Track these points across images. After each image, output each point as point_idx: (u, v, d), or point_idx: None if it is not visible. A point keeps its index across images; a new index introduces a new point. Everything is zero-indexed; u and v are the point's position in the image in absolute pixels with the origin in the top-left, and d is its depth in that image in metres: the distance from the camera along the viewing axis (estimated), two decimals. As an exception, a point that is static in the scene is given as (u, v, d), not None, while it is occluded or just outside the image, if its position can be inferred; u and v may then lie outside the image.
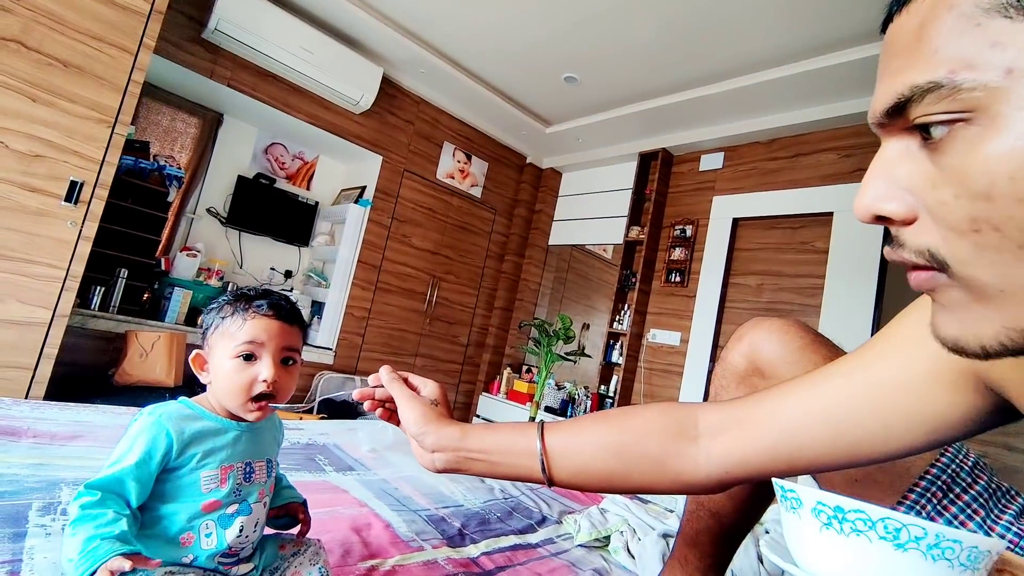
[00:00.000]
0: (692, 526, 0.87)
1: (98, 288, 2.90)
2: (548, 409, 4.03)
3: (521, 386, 4.30)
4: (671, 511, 1.54)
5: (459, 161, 4.37)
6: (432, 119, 4.16)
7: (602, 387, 3.98)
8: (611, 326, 4.04)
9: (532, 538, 1.18)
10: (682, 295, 3.81)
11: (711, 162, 3.87)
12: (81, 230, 2.21)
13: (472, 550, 1.06)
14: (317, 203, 4.04)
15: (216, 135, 3.63)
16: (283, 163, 3.99)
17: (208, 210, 3.61)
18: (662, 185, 4.07)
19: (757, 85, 3.16)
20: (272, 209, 3.79)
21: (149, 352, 2.79)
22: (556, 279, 5.02)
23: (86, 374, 2.74)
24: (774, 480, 0.45)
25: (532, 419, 3.78)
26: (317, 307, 3.88)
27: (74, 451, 1.10)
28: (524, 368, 4.69)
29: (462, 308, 4.48)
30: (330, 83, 3.40)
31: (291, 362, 0.73)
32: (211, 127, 3.60)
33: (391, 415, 0.73)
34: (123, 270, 2.99)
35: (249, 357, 0.68)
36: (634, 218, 4.12)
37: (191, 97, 3.46)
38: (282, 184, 3.95)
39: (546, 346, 3.88)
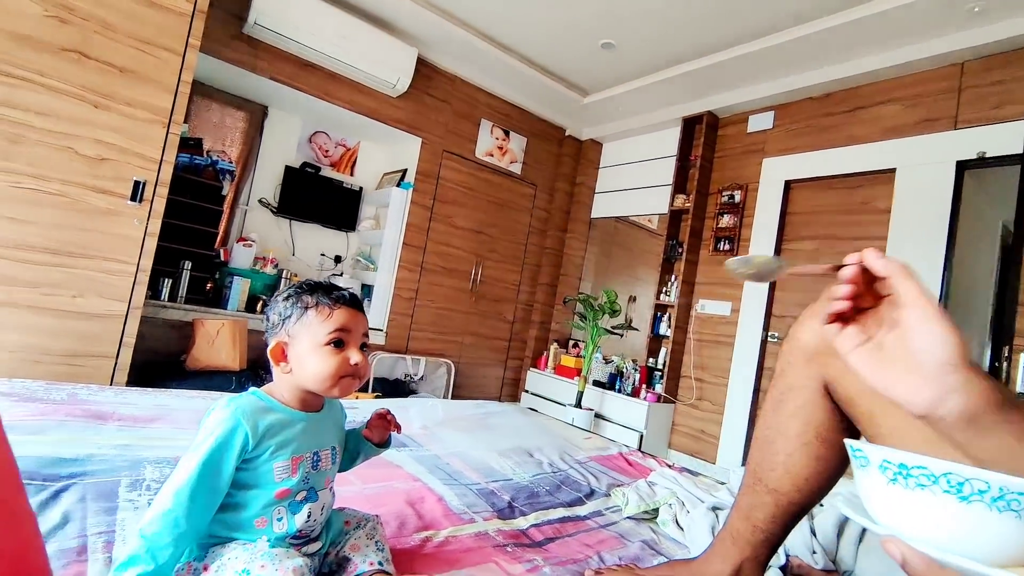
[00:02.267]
0: (747, 500, 0.85)
1: (166, 280, 3.09)
2: (596, 383, 4.03)
3: (568, 361, 4.32)
4: (723, 483, 1.53)
5: (497, 138, 4.35)
6: (468, 97, 4.14)
7: (650, 360, 3.95)
8: (658, 298, 3.97)
9: (581, 510, 1.21)
10: (731, 263, 3.68)
11: (760, 123, 3.69)
12: (147, 227, 2.35)
13: (521, 522, 1.09)
14: (361, 188, 4.13)
15: (263, 127, 3.75)
16: (326, 151, 4.09)
17: (260, 201, 3.76)
18: (708, 150, 3.92)
19: (807, 37, 2.97)
20: (319, 196, 3.90)
21: (215, 338, 2.96)
22: (600, 252, 4.96)
23: (161, 360, 2.95)
24: (845, 440, 0.45)
25: (580, 393, 3.80)
26: (367, 290, 4.00)
27: (155, 432, 1.20)
28: (571, 343, 4.70)
29: (507, 285, 4.51)
30: (366, 68, 3.43)
31: (366, 347, 0.78)
32: (258, 120, 3.73)
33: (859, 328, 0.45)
34: (187, 262, 3.18)
35: (339, 344, 0.73)
36: (679, 186, 4.00)
37: (237, 92, 3.58)
38: (327, 172, 4.05)
39: (592, 320, 3.87)
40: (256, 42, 3.21)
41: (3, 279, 2.09)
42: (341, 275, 4.02)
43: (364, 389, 3.66)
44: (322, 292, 0.76)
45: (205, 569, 0.65)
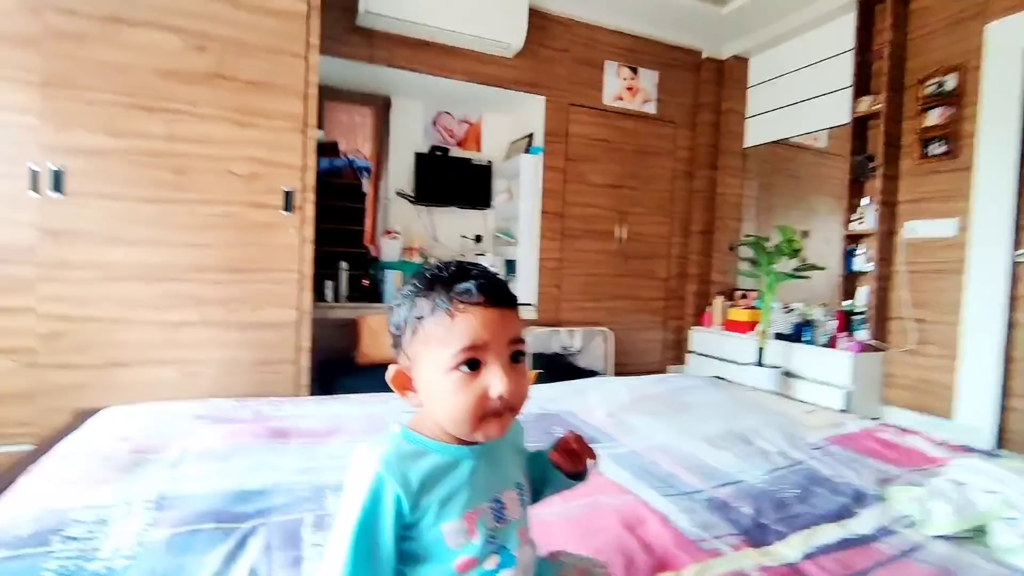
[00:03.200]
0: None
1: (328, 282, 3.25)
2: (779, 336, 3.50)
3: (739, 314, 3.82)
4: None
5: (625, 78, 3.90)
6: (587, 39, 3.75)
7: (846, 302, 3.30)
8: (847, 227, 3.29)
9: (858, 526, 0.89)
10: (950, 170, 2.89)
11: (976, -23, 2.79)
12: (302, 234, 2.41)
13: (785, 551, 0.81)
14: (490, 162, 3.99)
15: (388, 119, 3.76)
16: (451, 131, 4.01)
17: (397, 193, 3.80)
18: (897, 33, 3.09)
19: None
20: (451, 178, 3.84)
21: (378, 332, 3.05)
22: (760, 187, 4.29)
23: (335, 359, 3.11)
24: None
25: (761, 349, 3.31)
26: (511, 265, 3.89)
27: (334, 449, 1.12)
28: (738, 294, 4.16)
29: (656, 240, 4.11)
30: (478, 32, 3.23)
31: (520, 357, 0.53)
32: (382, 112, 3.74)
33: None
34: (343, 263, 3.31)
35: (472, 365, 0.51)
36: (861, 87, 3.23)
37: (360, 88, 3.61)
38: (455, 152, 3.97)
39: (766, 265, 3.33)
40: (369, 32, 3.17)
41: (195, 300, 2.27)
42: (484, 254, 3.94)
43: (523, 367, 3.56)
44: (442, 287, 0.52)
45: None
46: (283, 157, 2.35)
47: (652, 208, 4.06)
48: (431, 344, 0.52)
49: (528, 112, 3.81)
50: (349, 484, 0.51)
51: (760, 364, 3.31)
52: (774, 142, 4.02)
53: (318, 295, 3.12)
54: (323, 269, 3.15)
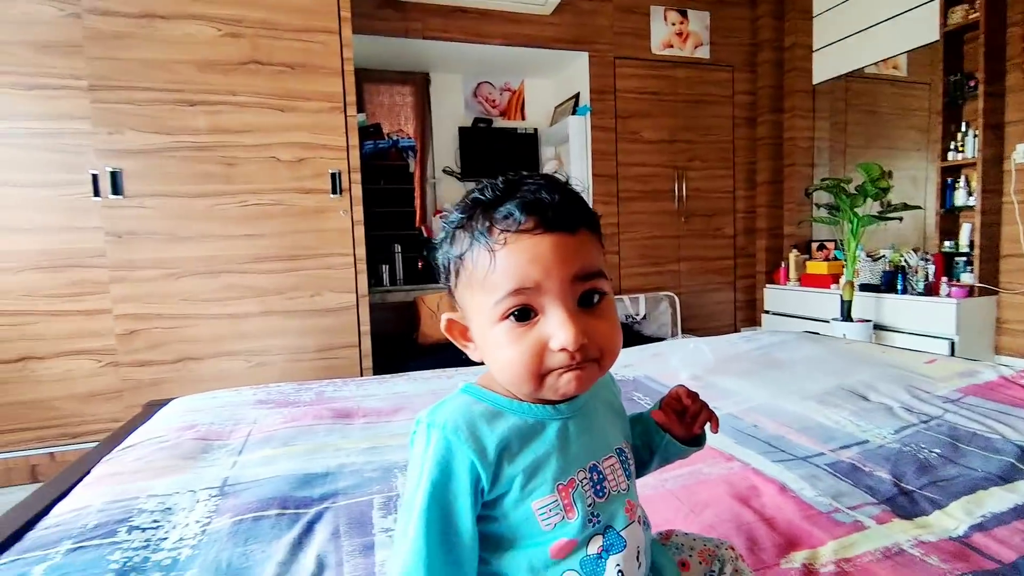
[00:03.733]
0: None
1: (384, 266, 3.24)
2: (865, 287, 3.19)
3: (818, 267, 3.51)
4: None
5: (673, 23, 3.62)
6: (630, -15, 3.49)
7: (946, 243, 2.96)
8: (943, 158, 2.93)
9: (1033, 489, 0.72)
10: (1071, 78, 2.49)
11: None
12: (352, 216, 2.37)
13: (946, 521, 0.66)
14: (536, 130, 3.84)
15: (428, 96, 3.67)
16: (493, 100, 3.87)
17: (444, 170, 3.72)
18: (995, -75, 2.67)
19: None
20: (497, 150, 3.73)
21: (437, 312, 3.00)
22: (833, 127, 3.91)
23: (397, 340, 3.10)
24: None
25: (848, 303, 3.02)
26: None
27: (400, 427, 1.05)
28: (814, 246, 3.83)
29: (719, 195, 3.83)
30: (513, -10, 3.06)
31: (597, 297, 0.40)
32: (422, 89, 3.65)
33: None
34: (397, 246, 3.28)
35: (523, 315, 0.39)
36: (952, -5, 2.83)
37: (398, 67, 3.53)
38: (499, 123, 3.84)
39: (847, 210, 3.02)
40: (402, 3, 3.06)
41: (257, 291, 2.28)
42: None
43: (586, 338, 3.44)
44: (483, 213, 0.40)
45: None
46: (326, 139, 2.31)
47: (712, 161, 3.79)
48: (474, 289, 0.41)
49: (572, 71, 3.61)
50: (413, 458, 0.41)
51: (848, 318, 3.03)
52: (847, 75, 3.64)
53: (375, 279, 3.11)
54: (378, 253, 3.14)
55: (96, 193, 2.07)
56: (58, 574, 0.61)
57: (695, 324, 3.78)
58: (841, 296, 3.06)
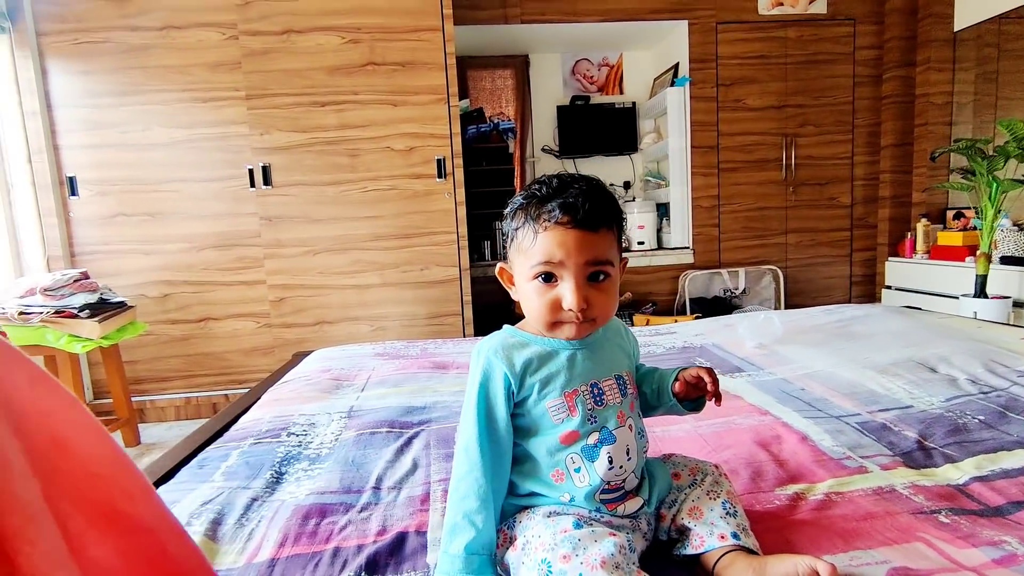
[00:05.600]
0: None
1: (486, 242, 3.49)
2: (1008, 260, 2.85)
3: (951, 238, 3.18)
4: None
5: (785, -21, 3.39)
6: (734, -57, 3.33)
7: (1115, 209, 2.55)
8: (1117, 110, 2.50)
9: (1063, 453, 0.75)
10: None
11: None
12: (455, 198, 2.63)
13: (950, 471, 0.72)
14: (634, 103, 3.84)
15: (528, 77, 3.82)
16: (591, 77, 3.92)
17: (543, 149, 3.87)
18: None
19: None
20: (594, 127, 3.79)
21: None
22: (979, 79, 3.44)
23: (496, 309, 3.35)
24: None
25: (983, 277, 2.74)
26: (663, 208, 3.74)
27: (484, 377, 1.27)
28: (951, 214, 3.45)
29: (834, 162, 3.58)
30: (609, -35, 3.08)
31: (602, 277, 0.58)
32: (522, 72, 3.81)
33: None
34: (497, 223, 3.51)
35: (548, 278, 0.57)
36: None
37: (498, 52, 3.71)
38: (596, 99, 3.89)
39: (986, 173, 2.71)
40: (501, -8, 3.22)
41: (377, 266, 2.64)
42: (633, 200, 3.85)
43: (682, 313, 3.46)
44: (535, 204, 0.58)
45: (512, 542, 0.56)
46: (432, 128, 2.57)
47: (828, 126, 3.54)
48: (521, 253, 0.59)
49: (671, 42, 3.56)
50: (471, 370, 0.61)
51: (982, 295, 2.75)
52: (1001, 16, 3.18)
53: (478, 255, 3.38)
54: (479, 230, 3.39)
55: (252, 184, 2.52)
56: (247, 456, 0.90)
57: (802, 300, 3.61)
58: (975, 270, 2.77)
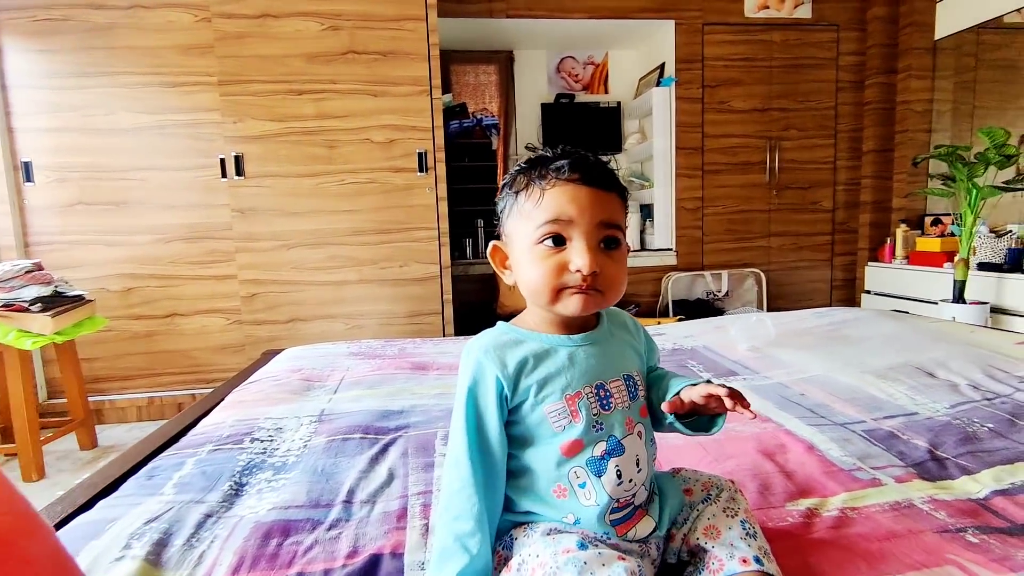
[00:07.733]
0: None
1: (467, 240, 3.42)
2: (985, 266, 2.88)
3: (930, 244, 3.22)
4: None
5: (771, -17, 3.39)
6: (721, -55, 3.32)
7: (1089, 217, 2.59)
8: (1092, 121, 2.55)
9: (1082, 465, 0.71)
10: None
11: None
12: (436, 193, 2.55)
13: (970, 485, 0.68)
14: (619, 103, 3.80)
15: (513, 74, 3.75)
16: (576, 75, 3.88)
17: (526, 147, 3.79)
18: None
19: None
20: (578, 125, 3.75)
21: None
22: (958, 87, 3.50)
23: (477, 310, 3.28)
24: None
25: (961, 283, 2.76)
26: (646, 210, 3.71)
27: (466, 379, 1.19)
28: (929, 220, 3.49)
29: (816, 166, 3.59)
30: (597, -39, 3.03)
31: (615, 244, 0.51)
32: (506, 68, 3.74)
33: None
34: (480, 221, 3.44)
35: (557, 240, 0.50)
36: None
37: (483, 47, 3.64)
38: (581, 97, 3.85)
39: (966, 180, 2.74)
40: (488, -16, 3.15)
41: (354, 261, 2.54)
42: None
43: (664, 313, 3.43)
44: (540, 164, 0.52)
45: (506, 562, 0.49)
46: (414, 120, 2.49)
47: (811, 130, 3.55)
48: (523, 218, 0.52)
49: (657, 41, 3.53)
50: (460, 371, 0.54)
51: (960, 300, 2.78)
52: (979, 26, 3.23)
53: (459, 252, 3.30)
54: (461, 228, 3.31)
55: (223, 175, 2.40)
56: (203, 465, 0.81)
57: (784, 303, 3.61)
58: (954, 275, 2.80)
